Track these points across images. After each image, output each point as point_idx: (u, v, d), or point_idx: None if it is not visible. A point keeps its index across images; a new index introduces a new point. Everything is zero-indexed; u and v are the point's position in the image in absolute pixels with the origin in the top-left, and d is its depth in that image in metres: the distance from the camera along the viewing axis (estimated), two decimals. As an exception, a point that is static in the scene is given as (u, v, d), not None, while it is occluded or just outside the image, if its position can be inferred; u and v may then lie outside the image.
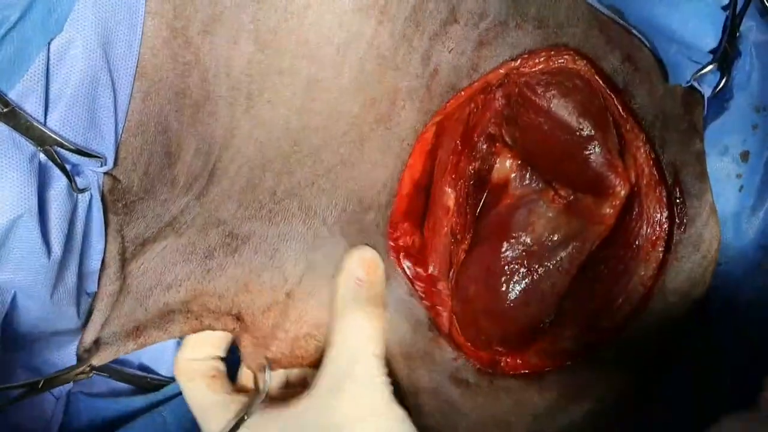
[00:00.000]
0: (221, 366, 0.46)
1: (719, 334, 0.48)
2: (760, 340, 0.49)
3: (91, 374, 0.40)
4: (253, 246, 0.43)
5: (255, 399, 0.42)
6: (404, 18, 0.40)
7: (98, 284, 0.40)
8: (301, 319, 0.43)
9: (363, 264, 0.42)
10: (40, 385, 0.37)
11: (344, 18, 0.39)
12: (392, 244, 0.45)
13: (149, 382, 0.51)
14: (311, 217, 0.43)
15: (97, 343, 0.40)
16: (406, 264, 0.45)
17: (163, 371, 0.52)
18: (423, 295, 0.44)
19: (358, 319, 0.41)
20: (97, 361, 0.39)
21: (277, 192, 0.43)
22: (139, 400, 0.51)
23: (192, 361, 0.45)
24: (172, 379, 0.51)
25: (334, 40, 0.40)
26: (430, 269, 0.45)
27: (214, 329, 0.42)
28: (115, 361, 0.48)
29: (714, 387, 0.47)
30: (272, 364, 0.43)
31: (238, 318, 0.43)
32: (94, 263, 0.40)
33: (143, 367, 0.51)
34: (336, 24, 0.39)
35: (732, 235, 0.45)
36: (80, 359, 0.40)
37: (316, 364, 0.43)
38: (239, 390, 0.46)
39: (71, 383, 0.46)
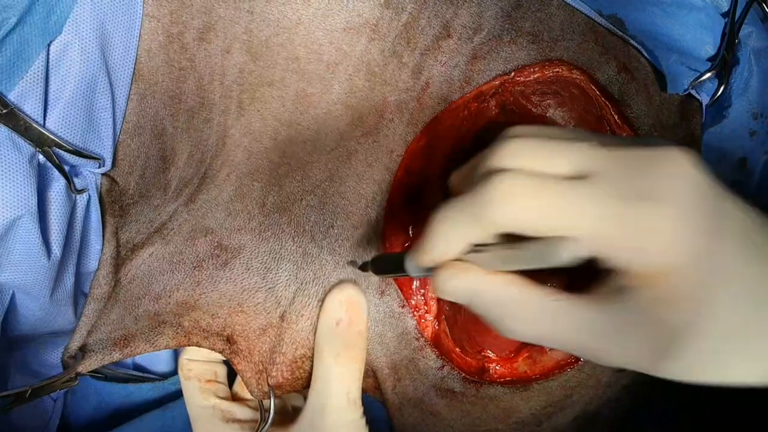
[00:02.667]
0: (220, 370, 0.46)
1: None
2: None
3: (77, 381, 0.40)
4: (244, 262, 0.43)
5: (260, 427, 0.42)
6: (395, 35, 0.41)
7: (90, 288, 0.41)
8: (296, 341, 0.43)
9: (343, 303, 0.42)
10: (27, 395, 0.37)
11: (335, 36, 0.40)
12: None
13: (144, 382, 0.51)
14: (300, 234, 0.43)
15: (82, 350, 0.40)
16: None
17: (160, 368, 0.52)
18: (410, 303, 0.44)
19: (332, 363, 0.41)
20: (82, 368, 0.39)
21: (266, 203, 0.43)
22: (147, 388, 0.51)
23: (191, 362, 0.45)
24: (167, 377, 0.52)
25: (324, 57, 0.40)
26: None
27: (200, 347, 0.42)
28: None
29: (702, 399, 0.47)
30: (275, 389, 0.43)
31: (230, 340, 0.42)
32: (91, 264, 0.40)
33: (138, 367, 0.51)
34: (327, 41, 0.40)
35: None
36: (65, 366, 0.40)
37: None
38: (234, 397, 0.46)
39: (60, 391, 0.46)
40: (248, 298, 0.42)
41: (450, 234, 0.30)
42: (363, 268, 0.42)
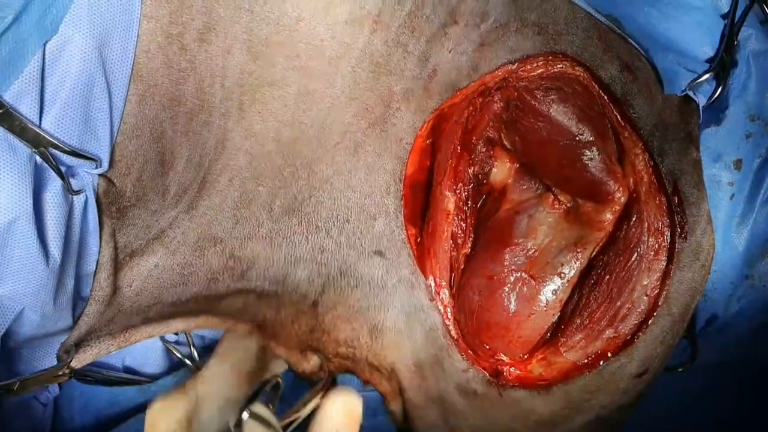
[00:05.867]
0: None
1: (704, 348, 0.48)
2: (745, 356, 0.49)
3: (70, 377, 0.39)
4: (260, 272, 0.42)
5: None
6: (398, 25, 0.41)
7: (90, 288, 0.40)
8: (337, 325, 0.43)
9: (344, 412, 0.38)
10: (15, 388, 0.36)
11: (337, 30, 0.40)
12: (415, 250, 0.45)
13: (133, 384, 0.50)
14: (313, 232, 0.43)
15: (78, 345, 0.39)
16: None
17: (150, 370, 0.51)
18: (437, 297, 0.45)
19: None
20: (76, 362, 0.38)
21: (273, 208, 0.42)
22: (132, 391, 0.50)
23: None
24: (157, 378, 0.51)
25: (326, 52, 0.40)
26: (428, 277, 0.45)
27: (216, 329, 0.40)
28: (99, 365, 0.48)
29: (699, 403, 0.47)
30: (327, 362, 0.42)
31: (260, 327, 0.40)
32: (89, 266, 0.39)
33: (128, 369, 0.51)
34: (328, 36, 0.40)
35: (721, 244, 0.45)
36: (59, 360, 0.39)
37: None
38: None
39: (54, 386, 0.46)
40: (272, 299, 0.42)
41: None
42: None
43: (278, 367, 0.43)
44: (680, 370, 0.49)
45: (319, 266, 0.43)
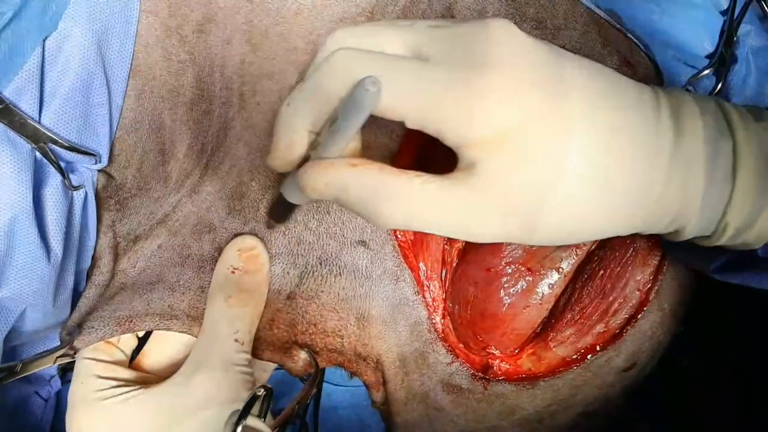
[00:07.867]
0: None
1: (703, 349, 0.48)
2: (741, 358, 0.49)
3: (74, 356, 0.39)
4: None
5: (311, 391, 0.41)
6: None
7: (88, 274, 0.40)
8: (323, 314, 0.43)
9: (240, 253, 0.42)
10: (18, 368, 0.37)
11: (332, 27, 0.40)
12: (402, 242, 0.45)
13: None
14: (291, 228, 0.43)
15: (80, 326, 0.39)
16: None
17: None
18: (423, 293, 0.45)
19: (220, 304, 0.40)
20: (80, 344, 0.39)
21: (260, 208, 0.43)
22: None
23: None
24: None
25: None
26: (421, 268, 0.45)
27: None
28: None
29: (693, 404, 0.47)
30: (316, 357, 0.42)
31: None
32: (87, 262, 0.39)
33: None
34: (324, 32, 0.40)
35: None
36: (62, 342, 0.40)
37: (348, 365, 0.44)
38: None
39: (57, 381, 0.46)
40: None
41: (292, 125, 0.30)
42: (269, 225, 0.42)
43: (265, 375, 0.45)
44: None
45: (295, 258, 0.43)
